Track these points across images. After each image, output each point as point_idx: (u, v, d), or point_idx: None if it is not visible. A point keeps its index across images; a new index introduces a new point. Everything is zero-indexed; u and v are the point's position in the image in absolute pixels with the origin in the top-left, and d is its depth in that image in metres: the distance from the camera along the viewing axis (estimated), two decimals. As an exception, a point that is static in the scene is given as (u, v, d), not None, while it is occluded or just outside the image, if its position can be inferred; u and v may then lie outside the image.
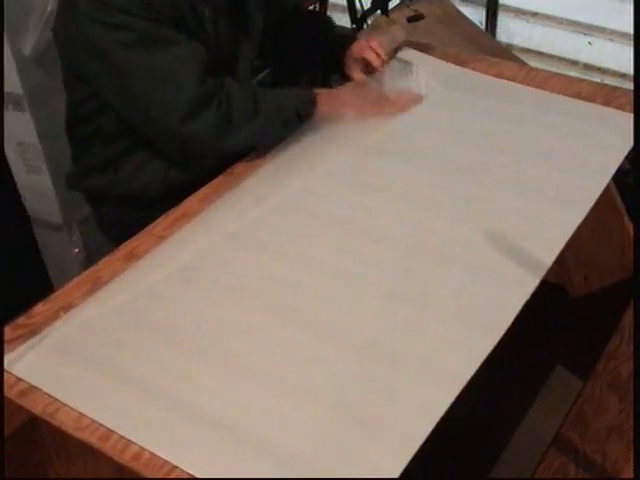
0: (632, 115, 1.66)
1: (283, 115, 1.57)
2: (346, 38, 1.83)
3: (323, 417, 1.09)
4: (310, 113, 1.61)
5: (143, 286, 1.32)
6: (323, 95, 1.63)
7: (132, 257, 1.38)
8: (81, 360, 1.19)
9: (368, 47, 1.76)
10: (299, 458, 1.03)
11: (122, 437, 1.06)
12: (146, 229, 1.44)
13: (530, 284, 1.28)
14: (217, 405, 1.11)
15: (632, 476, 1.44)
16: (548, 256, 1.34)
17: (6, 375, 1.16)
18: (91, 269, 1.37)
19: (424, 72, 1.86)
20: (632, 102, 1.72)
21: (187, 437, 1.07)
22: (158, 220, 1.46)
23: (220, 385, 1.14)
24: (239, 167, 1.60)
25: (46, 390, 1.14)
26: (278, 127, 1.58)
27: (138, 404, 1.11)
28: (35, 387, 1.14)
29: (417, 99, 1.74)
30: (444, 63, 1.92)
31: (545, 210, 1.46)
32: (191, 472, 1.02)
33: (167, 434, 1.07)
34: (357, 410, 1.10)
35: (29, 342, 1.22)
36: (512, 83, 1.85)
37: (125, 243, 1.41)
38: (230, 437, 1.06)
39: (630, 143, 1.59)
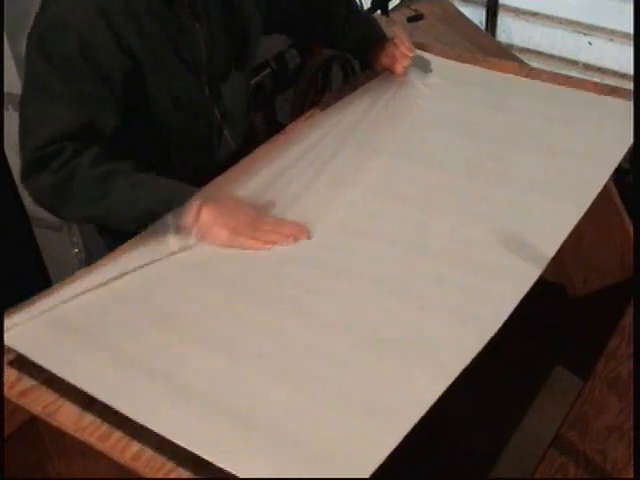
0: (630, 103, 1.66)
1: (133, 212, 1.36)
2: (379, 37, 1.83)
3: (320, 404, 1.09)
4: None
5: (141, 270, 1.34)
6: (195, 207, 1.35)
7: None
8: (73, 333, 1.21)
9: (402, 55, 1.78)
10: (293, 441, 1.04)
11: (122, 437, 1.06)
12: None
13: (530, 278, 1.28)
14: (212, 388, 1.12)
15: (632, 476, 1.44)
16: (549, 250, 1.34)
17: (6, 375, 1.17)
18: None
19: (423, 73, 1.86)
20: (632, 102, 1.72)
21: (179, 414, 1.07)
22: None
23: (214, 369, 1.15)
24: (237, 169, 1.60)
25: (33, 359, 1.15)
26: (126, 222, 1.38)
27: (117, 373, 1.14)
28: (35, 387, 1.15)
29: (300, 233, 1.39)
30: (446, 60, 1.93)
31: (546, 204, 1.45)
32: (185, 445, 1.02)
33: (146, 402, 1.09)
34: (351, 398, 1.10)
35: (22, 313, 1.24)
36: (513, 76, 1.85)
37: (125, 244, 1.41)
38: (224, 419, 1.07)
39: (631, 134, 1.59)
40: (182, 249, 1.35)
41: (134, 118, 1.47)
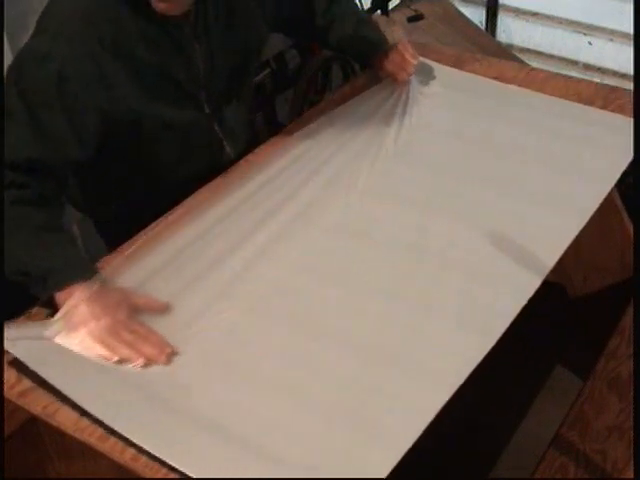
0: (632, 120, 1.66)
1: (12, 266, 1.25)
2: (382, 45, 1.80)
3: (318, 417, 1.09)
4: (44, 290, 1.26)
5: (137, 281, 1.33)
6: (76, 298, 1.23)
7: (131, 257, 1.38)
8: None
9: (406, 62, 1.76)
10: (290, 454, 1.04)
11: (121, 438, 1.06)
12: (145, 230, 1.44)
13: (529, 288, 1.29)
14: (206, 403, 1.12)
15: (632, 476, 1.44)
16: (548, 261, 1.34)
17: (6, 375, 1.17)
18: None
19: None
20: (632, 102, 1.72)
21: (169, 429, 1.08)
22: (157, 221, 1.46)
23: (208, 384, 1.15)
24: (236, 169, 1.60)
25: (31, 366, 1.16)
26: (6, 271, 1.26)
27: (108, 385, 1.15)
28: (35, 387, 1.15)
29: (158, 356, 1.20)
30: (446, 67, 1.92)
31: (546, 215, 1.45)
32: (178, 467, 1.02)
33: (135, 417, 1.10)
34: (350, 410, 1.10)
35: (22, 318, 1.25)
36: (515, 87, 1.84)
37: (124, 244, 1.41)
38: (220, 436, 1.07)
39: (631, 150, 1.58)
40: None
41: (125, 141, 1.45)
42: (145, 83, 1.40)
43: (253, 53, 1.63)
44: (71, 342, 1.20)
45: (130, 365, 1.17)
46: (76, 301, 1.22)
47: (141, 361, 1.18)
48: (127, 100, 1.39)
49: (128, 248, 1.40)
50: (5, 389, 1.15)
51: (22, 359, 1.17)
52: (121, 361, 1.18)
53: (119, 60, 1.36)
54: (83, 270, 1.26)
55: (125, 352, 1.19)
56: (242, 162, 1.61)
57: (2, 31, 1.83)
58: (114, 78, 1.36)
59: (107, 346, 1.20)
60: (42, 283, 1.24)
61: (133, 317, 1.24)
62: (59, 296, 1.23)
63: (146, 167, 1.52)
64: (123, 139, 1.45)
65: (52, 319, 1.22)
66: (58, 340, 1.21)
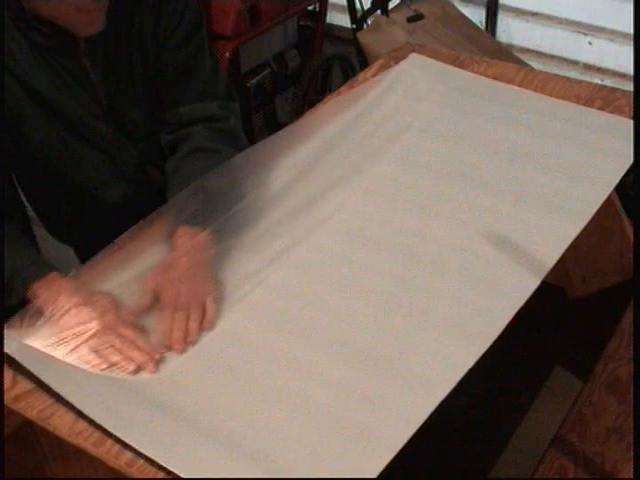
0: (631, 121, 1.65)
1: None
2: None
3: (311, 424, 1.09)
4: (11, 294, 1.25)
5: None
6: (53, 287, 1.23)
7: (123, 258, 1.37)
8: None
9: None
10: (282, 457, 1.04)
11: (116, 442, 1.06)
12: (138, 224, 1.43)
13: (526, 290, 1.28)
14: (202, 406, 1.12)
15: (631, 477, 1.44)
16: (545, 265, 1.34)
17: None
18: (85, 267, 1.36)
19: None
20: (632, 103, 1.72)
21: (165, 433, 1.08)
22: (150, 216, 1.45)
23: (203, 385, 1.16)
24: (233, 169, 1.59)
25: (26, 365, 1.16)
26: None
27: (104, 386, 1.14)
28: (30, 391, 1.15)
29: (147, 364, 1.18)
30: (448, 66, 1.91)
31: (544, 218, 1.45)
32: (171, 468, 1.02)
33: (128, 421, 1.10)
34: (341, 414, 1.11)
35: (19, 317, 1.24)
36: (515, 87, 1.84)
37: (118, 239, 1.40)
38: (213, 438, 1.07)
39: (631, 153, 1.57)
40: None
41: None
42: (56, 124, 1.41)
43: (143, 90, 1.48)
44: (60, 351, 1.19)
45: (120, 372, 1.16)
46: (61, 305, 1.20)
47: (132, 367, 1.17)
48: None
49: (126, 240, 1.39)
50: (0, 393, 1.15)
51: (20, 361, 1.17)
52: (111, 367, 1.17)
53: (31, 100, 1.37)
54: (40, 267, 1.26)
55: (113, 356, 1.18)
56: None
57: (2, 31, 1.82)
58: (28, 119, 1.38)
59: (96, 352, 1.18)
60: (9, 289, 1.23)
61: (121, 320, 1.22)
62: (44, 302, 1.22)
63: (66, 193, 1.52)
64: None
65: (38, 325, 1.21)
66: (47, 349, 1.19)
